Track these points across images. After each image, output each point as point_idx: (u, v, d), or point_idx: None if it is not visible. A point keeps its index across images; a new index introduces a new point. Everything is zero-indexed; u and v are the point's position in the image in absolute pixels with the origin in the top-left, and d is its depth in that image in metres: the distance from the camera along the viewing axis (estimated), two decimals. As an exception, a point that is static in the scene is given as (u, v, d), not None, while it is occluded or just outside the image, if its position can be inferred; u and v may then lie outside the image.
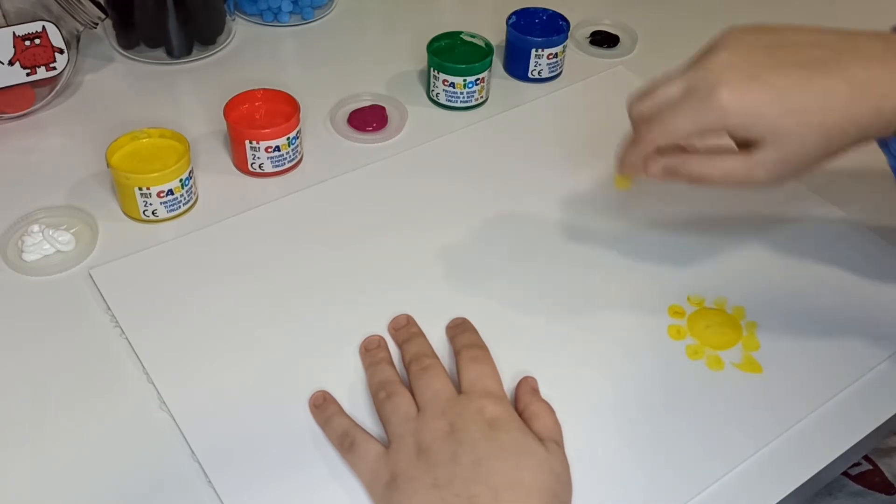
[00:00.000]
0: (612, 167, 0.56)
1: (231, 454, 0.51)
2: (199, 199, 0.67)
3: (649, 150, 0.52)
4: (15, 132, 0.73)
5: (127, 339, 0.57)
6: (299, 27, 0.87)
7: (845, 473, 0.72)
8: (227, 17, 0.83)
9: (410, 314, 0.59)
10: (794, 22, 0.50)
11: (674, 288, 0.62)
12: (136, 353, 0.56)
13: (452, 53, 0.76)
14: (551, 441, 0.49)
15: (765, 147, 0.48)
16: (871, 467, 0.73)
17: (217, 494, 0.49)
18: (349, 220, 0.66)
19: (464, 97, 0.76)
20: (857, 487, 0.71)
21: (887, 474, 0.73)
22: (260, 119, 0.69)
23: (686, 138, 0.51)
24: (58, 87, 0.75)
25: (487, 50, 0.76)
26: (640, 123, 0.52)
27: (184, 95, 0.79)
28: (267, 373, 0.56)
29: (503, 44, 0.82)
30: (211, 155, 0.71)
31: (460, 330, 0.57)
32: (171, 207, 0.65)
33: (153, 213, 0.65)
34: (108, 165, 0.63)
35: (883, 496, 0.71)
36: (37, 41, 0.69)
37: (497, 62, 0.82)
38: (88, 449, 0.51)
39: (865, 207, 0.69)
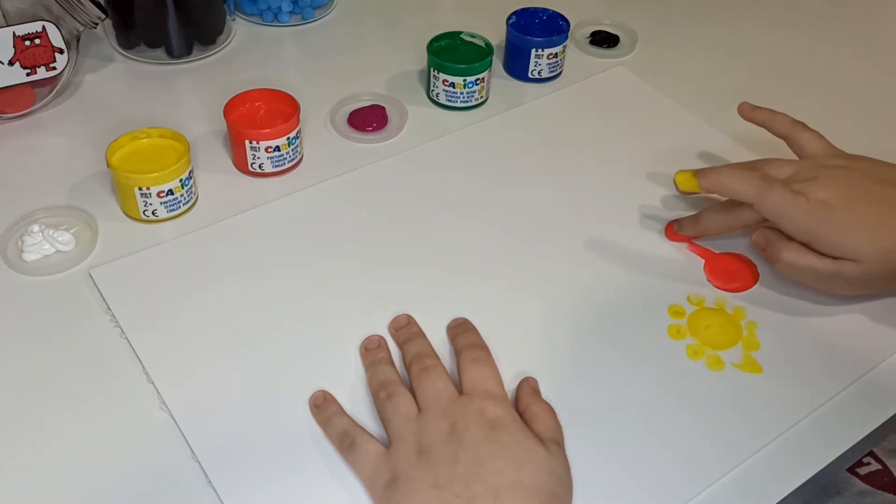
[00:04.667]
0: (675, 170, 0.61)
1: (231, 454, 0.51)
2: (199, 199, 0.67)
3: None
4: (15, 132, 0.73)
5: (127, 339, 0.57)
6: (299, 27, 0.87)
7: (854, 473, 0.72)
8: (227, 17, 0.83)
9: (411, 314, 0.59)
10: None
11: (674, 288, 0.62)
12: (136, 353, 0.56)
13: (452, 53, 0.76)
14: (552, 442, 0.49)
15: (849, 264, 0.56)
16: (880, 467, 0.72)
17: (217, 494, 0.49)
18: (349, 220, 0.66)
19: (464, 97, 0.76)
20: (865, 487, 0.71)
21: None
22: (260, 119, 0.69)
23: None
24: (58, 87, 0.74)
25: (487, 50, 0.76)
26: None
27: (184, 95, 0.79)
28: (267, 373, 0.56)
29: (503, 44, 0.82)
30: (211, 155, 0.71)
31: (461, 330, 0.57)
32: (171, 207, 0.65)
33: (153, 213, 0.65)
34: (108, 165, 0.63)
35: (891, 496, 0.71)
36: (37, 41, 0.69)
37: (497, 62, 0.82)
38: (88, 449, 0.51)
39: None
